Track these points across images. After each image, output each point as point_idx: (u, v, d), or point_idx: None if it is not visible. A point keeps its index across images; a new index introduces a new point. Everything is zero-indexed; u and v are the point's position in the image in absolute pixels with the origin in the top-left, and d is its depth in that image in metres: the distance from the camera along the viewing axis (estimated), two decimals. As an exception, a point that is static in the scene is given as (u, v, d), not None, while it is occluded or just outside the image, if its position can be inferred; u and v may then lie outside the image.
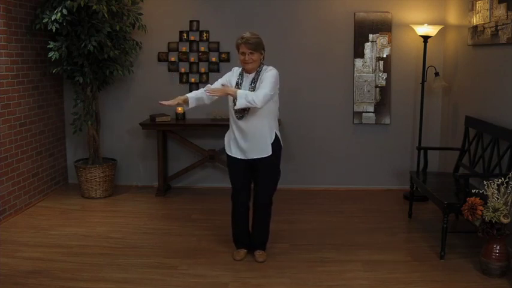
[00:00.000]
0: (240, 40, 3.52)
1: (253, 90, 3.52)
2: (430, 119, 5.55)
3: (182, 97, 3.68)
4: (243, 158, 3.66)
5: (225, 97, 3.62)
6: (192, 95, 3.70)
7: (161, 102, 3.60)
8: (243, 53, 3.52)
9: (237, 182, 3.75)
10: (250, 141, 3.61)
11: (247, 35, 3.52)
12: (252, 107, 3.46)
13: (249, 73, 3.60)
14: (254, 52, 3.51)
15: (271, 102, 3.57)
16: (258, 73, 3.59)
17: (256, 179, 3.72)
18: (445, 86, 5.29)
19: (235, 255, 3.84)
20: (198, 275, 3.57)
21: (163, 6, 5.55)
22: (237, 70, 3.70)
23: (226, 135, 3.78)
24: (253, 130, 3.59)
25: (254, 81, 3.57)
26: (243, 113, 3.55)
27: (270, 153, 3.63)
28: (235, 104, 3.47)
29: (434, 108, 5.58)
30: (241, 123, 3.59)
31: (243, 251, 3.86)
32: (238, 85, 3.60)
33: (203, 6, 5.55)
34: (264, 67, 3.62)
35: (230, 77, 3.70)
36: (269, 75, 3.54)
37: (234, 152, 3.68)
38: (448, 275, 3.55)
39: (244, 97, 3.41)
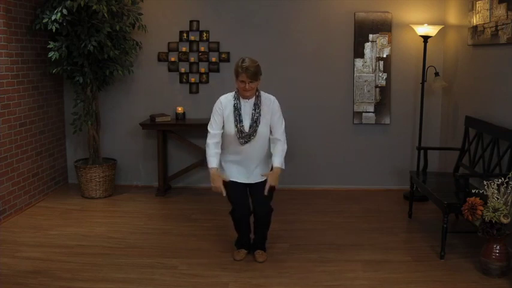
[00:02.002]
0: (240, 69, 3.46)
1: (259, 115, 3.56)
2: (430, 119, 5.55)
3: (218, 173, 3.61)
4: (246, 182, 3.66)
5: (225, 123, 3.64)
6: (216, 161, 3.64)
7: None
8: (243, 82, 3.48)
9: (238, 201, 3.70)
10: (254, 165, 3.64)
11: (247, 63, 3.45)
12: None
13: (247, 99, 3.60)
14: (253, 81, 3.50)
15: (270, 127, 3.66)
16: (257, 98, 3.60)
17: (255, 192, 3.69)
18: (445, 86, 5.29)
19: (236, 255, 3.84)
20: (198, 275, 3.57)
21: (163, 6, 5.55)
22: (225, 97, 3.63)
23: (222, 159, 3.71)
24: (257, 154, 3.64)
25: (257, 106, 3.57)
26: (248, 138, 3.56)
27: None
28: (243, 140, 3.57)
29: (434, 108, 5.58)
30: (245, 148, 3.60)
31: (243, 251, 3.86)
32: (238, 109, 3.56)
33: (203, 6, 5.55)
34: (264, 94, 3.63)
35: (220, 107, 3.60)
36: (277, 109, 3.64)
37: (235, 177, 3.66)
38: (448, 275, 3.55)
39: (283, 160, 3.60)
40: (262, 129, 3.59)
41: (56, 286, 3.37)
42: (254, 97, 3.59)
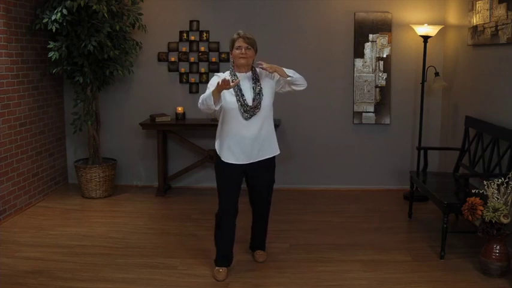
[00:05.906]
0: (236, 35, 3.43)
1: (261, 88, 3.43)
2: (430, 119, 5.55)
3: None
4: (247, 162, 3.45)
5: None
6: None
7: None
8: (239, 47, 3.40)
9: (230, 195, 3.52)
10: (260, 140, 3.46)
11: (242, 32, 3.45)
12: (299, 88, 3.55)
13: (243, 72, 3.47)
14: (250, 48, 3.42)
15: (272, 102, 3.53)
16: (253, 73, 3.49)
17: (258, 180, 3.57)
18: (445, 86, 5.29)
19: (216, 274, 3.51)
20: (198, 275, 3.57)
21: (163, 6, 5.55)
22: (221, 73, 3.52)
23: (223, 142, 3.47)
24: (261, 132, 3.46)
25: (256, 80, 3.45)
26: (253, 112, 3.39)
27: (279, 151, 3.59)
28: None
29: (434, 108, 5.58)
30: (249, 124, 3.41)
31: (224, 270, 3.54)
32: (237, 84, 3.41)
33: (203, 6, 5.55)
34: (258, 70, 3.52)
35: (218, 81, 3.37)
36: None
37: (236, 158, 3.43)
38: (448, 275, 3.55)
39: (292, 72, 3.48)
40: (266, 101, 3.45)
41: (56, 286, 3.37)
42: (250, 72, 3.48)
